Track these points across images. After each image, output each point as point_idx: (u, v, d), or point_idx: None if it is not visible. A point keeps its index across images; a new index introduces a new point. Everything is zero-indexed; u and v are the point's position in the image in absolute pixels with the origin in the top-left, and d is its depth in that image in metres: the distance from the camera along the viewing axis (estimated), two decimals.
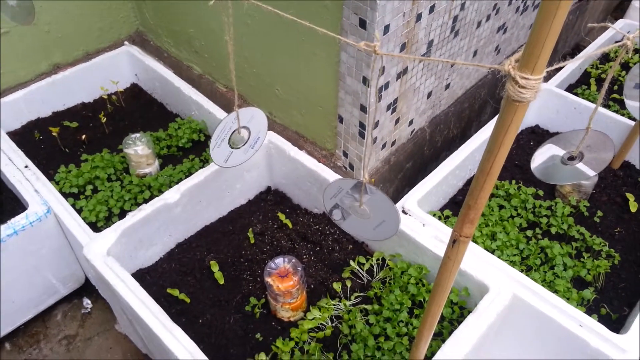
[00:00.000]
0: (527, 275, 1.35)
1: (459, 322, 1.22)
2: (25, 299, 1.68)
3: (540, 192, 1.68)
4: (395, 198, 1.79)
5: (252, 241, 1.54)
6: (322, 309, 1.35)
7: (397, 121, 1.65)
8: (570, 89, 2.08)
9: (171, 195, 1.45)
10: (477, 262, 1.31)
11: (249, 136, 1.38)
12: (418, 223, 1.43)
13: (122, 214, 1.59)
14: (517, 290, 1.27)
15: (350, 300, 1.39)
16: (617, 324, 1.37)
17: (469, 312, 1.24)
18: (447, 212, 1.61)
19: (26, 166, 1.63)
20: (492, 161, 0.66)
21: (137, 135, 1.71)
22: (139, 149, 1.69)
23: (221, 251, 1.53)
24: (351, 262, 1.45)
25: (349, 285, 1.41)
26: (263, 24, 1.61)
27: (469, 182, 1.76)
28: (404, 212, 1.47)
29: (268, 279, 1.29)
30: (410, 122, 1.74)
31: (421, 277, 1.38)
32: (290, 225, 1.58)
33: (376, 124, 1.55)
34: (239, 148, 1.38)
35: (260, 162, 1.65)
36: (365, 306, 1.36)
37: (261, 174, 1.70)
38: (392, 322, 1.31)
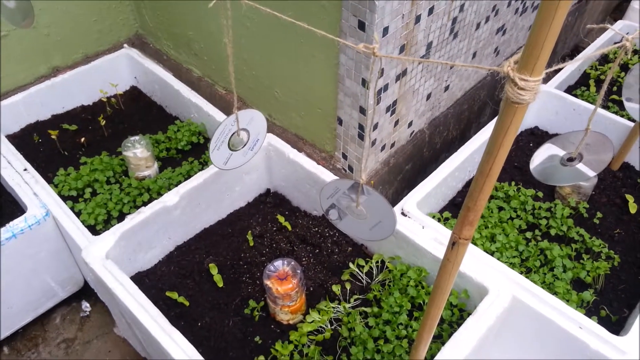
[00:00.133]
0: (526, 277, 1.34)
1: (459, 325, 1.21)
2: (24, 303, 1.68)
3: (540, 194, 1.68)
4: (395, 200, 1.79)
5: (251, 244, 1.54)
6: (321, 311, 1.35)
7: (396, 123, 1.65)
8: (570, 90, 2.08)
9: (170, 198, 1.45)
10: (476, 264, 1.31)
11: (248, 138, 1.38)
12: (417, 225, 1.42)
13: (121, 217, 1.59)
14: (516, 292, 1.27)
15: (349, 302, 1.38)
16: (616, 326, 1.37)
17: (469, 314, 1.23)
18: (446, 214, 1.61)
19: (25, 169, 1.63)
20: (491, 163, 0.65)
21: (136, 137, 1.71)
22: (138, 152, 1.68)
23: (220, 254, 1.52)
24: (350, 265, 1.45)
25: (348, 288, 1.41)
26: (262, 26, 1.61)
27: (468, 184, 1.76)
28: (403, 214, 1.47)
29: (267, 282, 1.29)
30: (410, 124, 1.74)
31: (421, 280, 1.38)
32: (289, 227, 1.58)
33: (375, 126, 1.55)
34: (238, 150, 1.38)
35: (259, 164, 1.65)
36: (365, 309, 1.35)
37: (260, 177, 1.69)
38: (392, 324, 1.30)
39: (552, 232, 1.55)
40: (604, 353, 1.17)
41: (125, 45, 2.18)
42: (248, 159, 1.44)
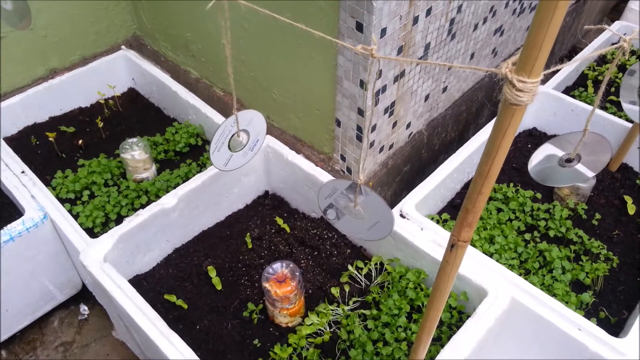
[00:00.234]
0: (525, 278, 1.34)
1: (458, 327, 1.21)
2: (22, 306, 1.67)
3: (538, 195, 1.68)
4: (393, 202, 1.79)
5: (250, 246, 1.54)
6: (320, 314, 1.34)
7: (394, 124, 1.65)
8: (568, 91, 2.08)
9: (168, 200, 1.44)
10: (475, 266, 1.31)
11: (248, 139, 1.37)
12: (416, 227, 1.42)
13: (119, 220, 1.58)
14: (515, 294, 1.27)
15: (348, 305, 1.38)
16: (616, 328, 1.37)
17: (468, 316, 1.23)
18: (445, 215, 1.61)
19: (22, 172, 1.62)
20: (490, 164, 0.65)
21: (134, 140, 1.70)
22: (136, 154, 1.68)
23: (219, 256, 1.52)
24: (349, 267, 1.44)
25: (347, 290, 1.40)
26: (260, 27, 1.61)
27: (467, 185, 1.76)
28: (402, 215, 1.46)
29: (266, 285, 1.28)
30: (408, 125, 1.74)
31: (419, 282, 1.37)
32: (288, 229, 1.57)
33: (374, 128, 1.55)
34: (238, 151, 1.38)
35: (257, 166, 1.65)
36: (364, 311, 1.35)
37: (259, 178, 1.69)
38: (391, 327, 1.30)
39: (551, 233, 1.55)
40: (603, 355, 1.17)
41: (122, 46, 2.18)
42: (248, 160, 1.44)
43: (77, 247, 1.41)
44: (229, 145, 1.34)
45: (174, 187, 1.59)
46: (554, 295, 1.37)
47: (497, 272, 1.32)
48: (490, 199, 1.67)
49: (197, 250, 1.55)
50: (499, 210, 1.63)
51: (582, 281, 1.44)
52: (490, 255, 1.46)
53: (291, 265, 1.32)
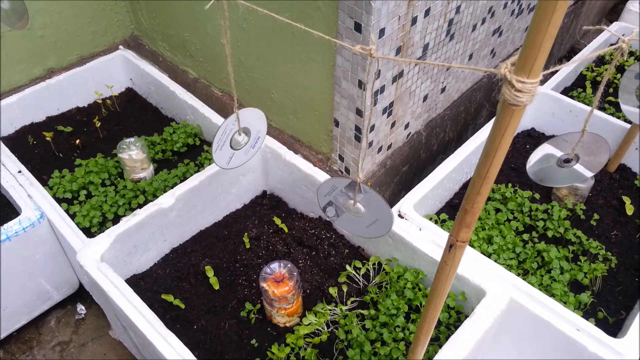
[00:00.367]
0: (523, 279, 1.34)
1: (456, 327, 1.21)
2: (19, 305, 1.67)
3: (537, 196, 1.68)
4: (392, 202, 1.79)
5: (248, 246, 1.53)
6: (318, 314, 1.34)
7: (393, 125, 1.64)
8: (566, 92, 2.08)
9: (166, 200, 1.44)
10: (473, 266, 1.31)
11: (249, 136, 1.37)
12: (414, 227, 1.42)
13: (116, 219, 1.58)
14: (514, 294, 1.27)
15: (346, 305, 1.38)
16: (614, 328, 1.37)
17: (466, 316, 1.23)
18: (443, 215, 1.61)
19: (19, 171, 1.62)
20: (488, 165, 0.65)
21: (132, 139, 1.70)
22: (134, 154, 1.68)
23: (216, 256, 1.52)
24: (347, 267, 1.44)
25: (345, 290, 1.40)
26: (258, 28, 1.61)
27: (465, 186, 1.76)
28: (400, 216, 1.46)
29: (263, 284, 1.28)
30: (407, 126, 1.74)
31: (418, 282, 1.37)
32: (286, 229, 1.57)
33: (372, 128, 1.55)
34: (240, 149, 1.38)
35: (255, 166, 1.64)
36: (362, 311, 1.35)
37: (257, 178, 1.69)
38: (389, 327, 1.30)
39: (549, 234, 1.55)
40: (601, 355, 1.17)
41: (120, 46, 2.18)
42: (250, 157, 1.43)
43: (74, 246, 1.41)
44: (230, 144, 1.34)
45: (172, 187, 1.59)
46: (553, 295, 1.37)
47: (496, 273, 1.32)
48: (489, 199, 1.67)
49: (194, 250, 1.54)
50: (498, 210, 1.63)
51: (580, 281, 1.44)
52: (489, 256, 1.46)
53: (289, 265, 1.31)
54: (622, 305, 1.42)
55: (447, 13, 1.53)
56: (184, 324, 1.36)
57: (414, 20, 1.40)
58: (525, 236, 1.55)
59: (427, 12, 1.43)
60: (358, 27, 1.29)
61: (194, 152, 1.88)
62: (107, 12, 2.15)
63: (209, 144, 1.88)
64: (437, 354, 1.14)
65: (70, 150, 1.88)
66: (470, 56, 1.86)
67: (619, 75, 2.15)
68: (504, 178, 1.77)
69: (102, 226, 1.59)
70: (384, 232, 0.99)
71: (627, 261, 1.53)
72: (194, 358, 1.12)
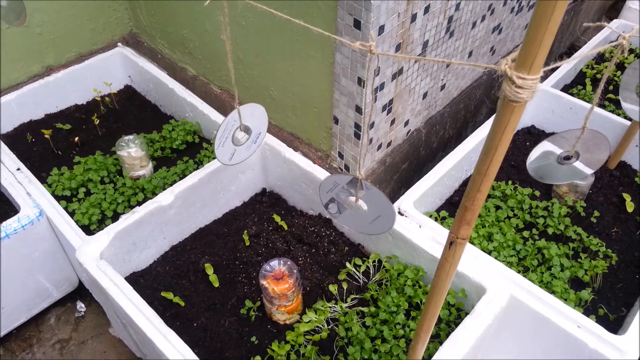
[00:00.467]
0: (524, 276, 1.34)
1: (456, 324, 1.21)
2: (18, 303, 1.67)
3: (537, 193, 1.67)
4: (391, 199, 1.77)
5: (247, 243, 1.53)
6: (318, 311, 1.34)
7: (392, 122, 1.64)
8: (566, 89, 2.08)
9: (165, 197, 1.44)
10: (474, 263, 1.30)
11: (250, 132, 1.37)
12: (414, 224, 1.42)
13: (115, 217, 1.58)
14: (514, 291, 1.27)
15: (346, 302, 1.37)
16: (615, 325, 1.37)
17: (466, 313, 1.23)
18: (443, 213, 1.61)
19: (18, 169, 1.61)
20: (488, 162, 0.65)
21: (131, 137, 1.70)
22: (133, 151, 1.67)
23: (216, 254, 1.51)
24: (347, 264, 1.44)
25: (345, 288, 1.40)
26: (257, 25, 1.60)
27: (465, 183, 1.76)
28: (400, 213, 1.46)
29: (263, 282, 1.28)
30: (406, 123, 1.73)
31: (418, 279, 1.37)
32: (285, 227, 1.57)
33: (372, 125, 1.54)
34: (242, 145, 1.38)
35: (255, 163, 1.64)
36: (362, 308, 1.35)
37: (256, 176, 1.69)
38: (389, 324, 1.30)
39: (550, 231, 1.55)
40: (602, 352, 1.17)
41: (119, 44, 2.17)
42: (252, 153, 1.43)
43: (73, 244, 1.41)
44: (232, 140, 1.34)
45: (171, 185, 1.58)
46: (553, 292, 1.37)
47: (496, 270, 1.32)
48: (489, 196, 1.66)
49: (194, 248, 1.54)
50: (498, 207, 1.63)
51: (580, 278, 1.44)
52: (489, 253, 1.46)
53: (289, 263, 1.31)
54: (623, 302, 1.42)
55: (446, 10, 1.53)
56: (184, 322, 1.36)
57: (414, 17, 1.40)
58: (526, 233, 1.55)
59: (426, 9, 1.43)
60: (357, 24, 1.29)
61: (193, 150, 1.87)
62: (105, 9, 2.15)
63: (208, 142, 1.88)
64: (437, 351, 1.14)
65: (69, 148, 1.88)
66: (470, 53, 1.85)
67: (619, 73, 2.15)
68: (504, 175, 1.77)
69: (101, 224, 1.59)
70: (386, 228, 0.99)
71: (627, 258, 1.53)
72: (194, 355, 1.12)
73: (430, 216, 1.56)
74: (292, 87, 1.65)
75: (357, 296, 1.39)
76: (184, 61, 2.12)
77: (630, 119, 1.68)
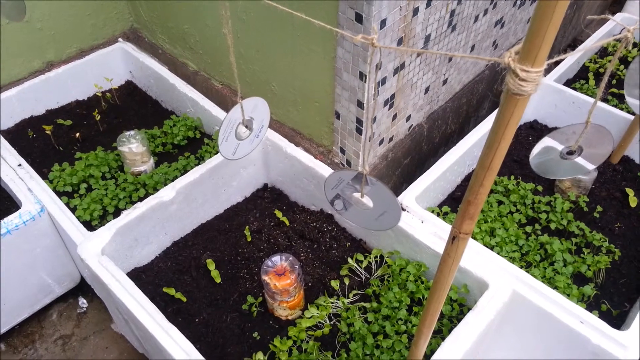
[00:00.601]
0: (526, 271, 1.33)
1: (459, 320, 1.20)
2: (20, 299, 1.67)
3: (540, 188, 1.67)
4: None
5: (249, 239, 1.53)
6: (320, 307, 1.34)
7: (394, 117, 1.63)
8: (569, 83, 2.07)
9: (166, 193, 1.43)
10: (476, 258, 1.30)
11: (253, 126, 1.37)
12: (416, 220, 1.41)
13: (116, 213, 1.58)
14: (517, 286, 1.26)
15: (348, 298, 1.37)
16: (618, 320, 1.36)
17: (469, 309, 1.22)
18: (445, 208, 1.60)
19: (19, 165, 1.61)
20: (492, 156, 0.64)
21: (132, 132, 1.69)
22: (134, 147, 1.67)
23: (218, 249, 1.51)
24: (349, 260, 1.44)
25: (347, 283, 1.40)
26: (258, 19, 1.59)
27: (467, 178, 1.75)
28: (402, 208, 1.45)
29: (265, 277, 1.28)
30: (408, 118, 1.73)
31: (420, 275, 1.37)
32: (287, 222, 1.57)
33: (373, 120, 1.54)
34: (244, 139, 1.37)
35: (256, 159, 1.64)
36: (364, 304, 1.34)
37: (258, 171, 1.68)
38: (391, 320, 1.29)
39: (552, 226, 1.54)
40: (605, 348, 1.16)
41: (120, 39, 2.16)
42: (254, 147, 1.43)
43: (74, 240, 1.41)
44: (235, 134, 1.33)
45: (172, 180, 1.58)
46: (556, 287, 1.36)
47: (498, 265, 1.32)
48: (491, 191, 1.66)
49: (196, 243, 1.54)
50: (500, 202, 1.62)
51: (583, 274, 1.44)
52: (491, 248, 1.46)
53: (290, 258, 1.31)
54: (626, 298, 1.42)
55: (448, 4, 1.52)
56: (186, 317, 1.36)
57: (416, 11, 1.39)
58: (528, 228, 1.55)
59: (428, 3, 1.42)
60: (359, 18, 1.28)
61: (194, 145, 1.87)
62: (106, 4, 2.14)
63: (210, 137, 1.87)
64: (439, 347, 1.14)
65: (70, 144, 1.87)
66: (472, 47, 1.84)
67: (622, 67, 2.13)
68: (506, 170, 1.76)
69: (103, 219, 1.59)
70: (392, 224, 0.98)
71: (630, 253, 1.52)
72: (196, 351, 1.12)
73: (433, 211, 1.55)
74: (293, 81, 1.64)
75: (359, 292, 1.39)
76: (184, 56, 2.11)
77: (633, 113, 1.67)
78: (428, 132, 1.88)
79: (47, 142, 1.86)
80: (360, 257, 1.44)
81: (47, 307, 1.82)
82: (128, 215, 1.37)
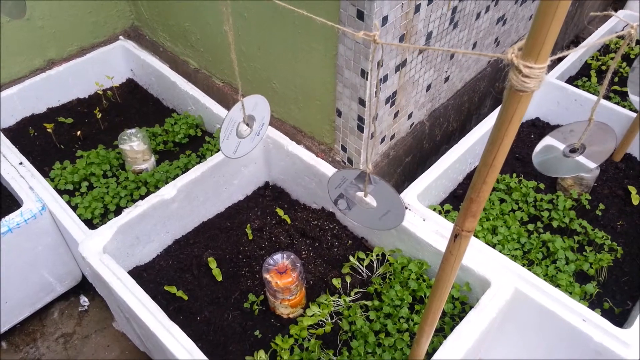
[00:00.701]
0: (529, 269, 1.33)
1: (461, 318, 1.20)
2: (22, 297, 1.67)
3: (542, 186, 1.66)
4: None
5: (251, 237, 1.53)
6: (321, 305, 1.33)
7: (396, 115, 1.63)
8: (571, 81, 2.06)
9: (168, 191, 1.43)
10: (478, 256, 1.30)
11: (254, 124, 1.36)
12: (418, 218, 1.41)
13: (118, 211, 1.57)
14: (519, 284, 1.26)
15: (350, 296, 1.37)
16: (620, 318, 1.36)
17: (471, 307, 1.22)
18: (447, 206, 1.60)
19: (20, 163, 1.61)
20: (495, 153, 0.64)
21: (133, 130, 1.69)
22: (135, 145, 1.67)
23: (219, 247, 1.51)
24: (351, 258, 1.43)
25: (348, 281, 1.39)
26: (259, 17, 1.59)
27: (469, 176, 1.75)
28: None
29: (267, 276, 1.27)
30: (410, 116, 1.72)
31: (422, 273, 1.36)
32: (288, 220, 1.56)
33: (375, 118, 1.53)
34: (245, 137, 1.37)
35: (258, 157, 1.63)
36: (366, 302, 1.34)
37: (259, 169, 1.68)
38: (393, 318, 1.29)
39: (554, 224, 1.54)
40: (607, 346, 1.16)
41: (121, 37, 2.16)
42: (255, 145, 1.43)
43: (76, 238, 1.40)
44: (236, 132, 1.33)
45: (173, 178, 1.58)
46: (558, 286, 1.36)
47: (500, 263, 1.31)
48: (493, 189, 1.65)
49: (197, 242, 1.54)
50: (502, 200, 1.62)
51: (586, 272, 1.43)
52: (493, 246, 1.45)
53: (292, 257, 1.31)
54: (628, 296, 1.41)
55: (450, 1, 1.51)
56: (187, 316, 1.36)
57: (417, 8, 1.39)
58: (530, 226, 1.54)
59: (430, 0, 1.41)
60: (360, 15, 1.27)
61: (195, 143, 1.86)
62: (107, 2, 2.14)
63: (211, 135, 1.87)
64: (441, 345, 1.13)
65: (71, 142, 1.87)
66: (474, 45, 1.84)
67: (624, 64, 2.12)
68: (508, 168, 1.76)
69: (104, 218, 1.59)
70: (396, 223, 0.98)
71: (633, 251, 1.52)
72: (198, 349, 1.12)
73: (434, 209, 1.55)
74: (294, 79, 1.64)
75: (360, 290, 1.39)
76: (185, 54, 2.11)
77: (636, 111, 1.66)
78: (430, 129, 1.87)
79: (48, 140, 1.86)
80: (361, 255, 1.44)
81: (49, 305, 1.82)
82: (129, 214, 1.37)
